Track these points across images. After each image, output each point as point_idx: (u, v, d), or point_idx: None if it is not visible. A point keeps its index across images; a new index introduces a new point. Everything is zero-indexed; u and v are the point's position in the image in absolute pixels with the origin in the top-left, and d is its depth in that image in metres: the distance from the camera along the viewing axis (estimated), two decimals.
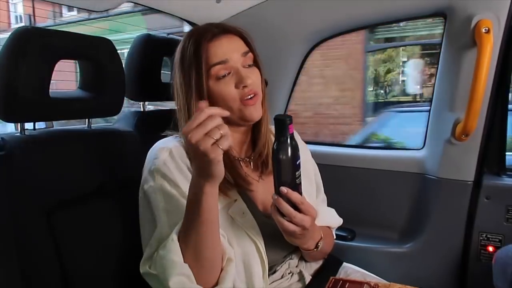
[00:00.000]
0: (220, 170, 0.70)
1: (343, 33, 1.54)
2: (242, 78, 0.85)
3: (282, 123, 0.76)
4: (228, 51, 0.86)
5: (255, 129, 0.96)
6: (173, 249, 0.75)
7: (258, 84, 0.89)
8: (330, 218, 1.08)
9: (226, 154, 0.84)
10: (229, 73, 0.86)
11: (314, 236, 0.90)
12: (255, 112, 0.88)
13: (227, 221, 0.87)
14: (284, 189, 0.78)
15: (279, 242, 0.90)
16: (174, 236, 0.76)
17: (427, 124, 1.43)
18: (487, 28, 1.14)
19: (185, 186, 0.83)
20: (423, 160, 1.44)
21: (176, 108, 0.93)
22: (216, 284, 0.79)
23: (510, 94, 1.38)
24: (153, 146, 0.91)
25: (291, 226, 0.80)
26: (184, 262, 0.75)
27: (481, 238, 1.32)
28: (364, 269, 1.12)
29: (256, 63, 0.91)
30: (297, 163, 0.79)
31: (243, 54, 0.88)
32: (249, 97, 0.86)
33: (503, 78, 1.26)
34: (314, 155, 1.13)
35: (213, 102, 0.85)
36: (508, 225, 1.28)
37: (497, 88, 1.26)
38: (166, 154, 0.86)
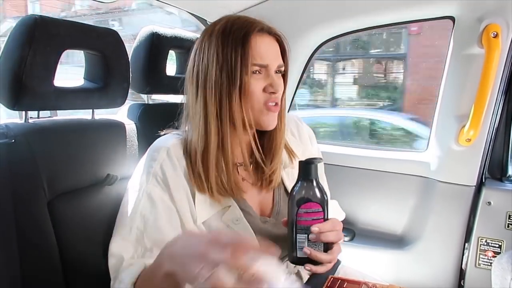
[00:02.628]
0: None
1: (349, 34, 1.54)
2: (274, 84, 0.83)
3: (309, 166, 0.75)
4: (270, 55, 0.84)
5: (264, 136, 0.93)
6: None
7: (280, 97, 0.88)
8: (338, 215, 1.09)
9: (224, 159, 0.84)
10: (261, 73, 0.84)
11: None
12: (273, 120, 0.87)
13: (221, 228, 0.86)
14: (307, 251, 0.76)
15: (275, 244, 0.89)
16: (128, 279, 0.75)
17: (431, 127, 1.43)
18: (495, 33, 1.14)
19: (176, 193, 0.83)
20: (426, 162, 1.43)
21: (181, 101, 0.92)
22: None
23: None
24: (152, 145, 0.89)
25: (324, 268, 0.80)
26: None
27: (481, 243, 1.31)
28: (363, 270, 1.12)
29: (284, 76, 0.90)
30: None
31: (279, 66, 0.87)
32: (273, 104, 0.85)
33: (510, 83, 1.26)
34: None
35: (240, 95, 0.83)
36: (508, 231, 1.28)
37: (504, 94, 1.25)
38: (164, 154, 0.84)
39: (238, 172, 0.91)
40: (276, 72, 0.86)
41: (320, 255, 0.78)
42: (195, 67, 0.86)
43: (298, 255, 0.77)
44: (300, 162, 0.77)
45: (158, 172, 0.83)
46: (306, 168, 0.75)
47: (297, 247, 0.77)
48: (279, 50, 0.88)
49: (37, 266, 0.84)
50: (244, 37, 0.81)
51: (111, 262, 0.81)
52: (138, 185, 0.84)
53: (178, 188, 0.83)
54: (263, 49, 0.83)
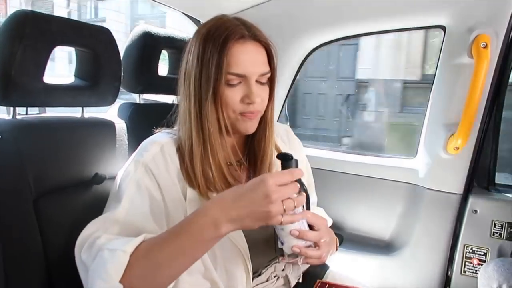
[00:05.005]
0: (257, 226, 0.67)
1: (341, 40, 1.55)
2: (251, 94, 0.81)
3: (287, 160, 0.74)
4: (250, 63, 0.81)
5: (253, 139, 0.93)
6: (118, 261, 0.68)
7: (263, 105, 0.86)
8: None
9: (211, 158, 0.83)
10: (240, 82, 0.82)
11: (333, 237, 0.90)
12: (250, 126, 0.86)
13: None
14: (297, 249, 0.75)
15: (264, 248, 0.89)
16: (129, 247, 0.69)
17: (420, 134, 1.44)
18: (485, 43, 1.15)
19: (166, 190, 0.81)
20: (414, 169, 1.45)
21: (172, 102, 0.91)
22: None
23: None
24: (145, 140, 0.88)
25: (315, 252, 0.78)
26: (120, 281, 0.67)
27: (466, 251, 1.33)
28: (351, 275, 1.12)
29: (271, 82, 0.87)
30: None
31: (262, 74, 0.83)
32: (250, 113, 0.84)
33: (499, 93, 1.28)
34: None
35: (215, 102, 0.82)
36: (493, 239, 1.30)
37: (491, 103, 1.27)
38: (158, 149, 0.84)
39: (229, 172, 0.90)
40: (258, 82, 0.84)
41: (310, 252, 0.77)
42: (183, 67, 0.86)
43: (279, 247, 0.79)
44: (278, 156, 0.76)
45: (149, 163, 0.82)
46: (285, 164, 0.75)
47: (279, 240, 0.78)
48: (266, 57, 0.85)
49: (21, 263, 0.82)
50: (223, 44, 0.79)
51: (84, 233, 0.77)
52: (125, 174, 0.82)
53: (168, 182, 0.82)
54: (242, 58, 0.80)
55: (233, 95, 0.81)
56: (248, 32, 0.82)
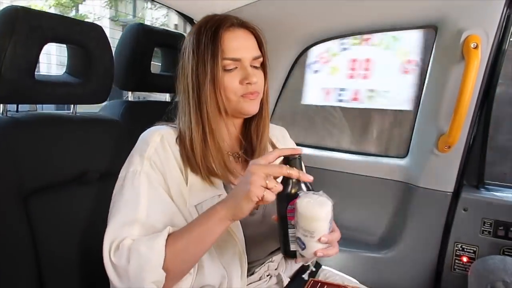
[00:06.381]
0: (246, 209, 0.72)
1: (334, 38, 1.56)
2: (248, 75, 0.86)
3: (294, 160, 0.75)
4: (242, 48, 0.87)
5: (250, 125, 0.96)
6: (158, 253, 0.74)
7: (261, 86, 0.91)
8: None
9: (212, 145, 0.86)
10: (236, 67, 0.87)
11: None
12: (252, 106, 0.89)
13: None
14: (320, 253, 0.75)
15: (260, 242, 0.90)
16: (161, 240, 0.75)
17: (411, 133, 1.46)
18: (475, 44, 1.16)
19: (171, 180, 0.85)
20: (405, 168, 1.46)
21: (165, 100, 0.92)
22: None
23: None
24: (145, 131, 0.90)
25: (334, 250, 0.78)
26: (163, 268, 0.74)
27: (457, 248, 1.34)
28: (342, 273, 1.13)
29: (263, 67, 0.92)
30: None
31: (254, 58, 0.89)
32: (252, 93, 0.88)
33: (488, 93, 1.29)
34: None
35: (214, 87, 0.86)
36: (483, 237, 1.31)
37: (482, 103, 1.29)
38: (158, 139, 0.87)
39: (229, 158, 0.93)
40: (253, 66, 0.89)
41: (330, 252, 0.77)
42: (179, 65, 0.90)
43: (291, 249, 0.78)
44: (284, 158, 0.77)
45: (153, 156, 0.85)
46: (291, 164, 0.76)
47: (290, 241, 0.77)
48: (256, 42, 0.90)
49: (10, 261, 0.81)
50: (215, 33, 0.85)
51: (108, 237, 0.79)
52: (133, 169, 0.84)
53: (171, 171, 0.85)
54: (235, 44, 0.86)
55: (231, 79, 0.86)
56: (236, 20, 0.89)
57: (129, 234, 0.78)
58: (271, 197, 0.70)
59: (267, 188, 0.70)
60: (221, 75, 0.85)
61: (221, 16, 0.89)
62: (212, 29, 0.85)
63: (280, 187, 0.71)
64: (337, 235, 0.80)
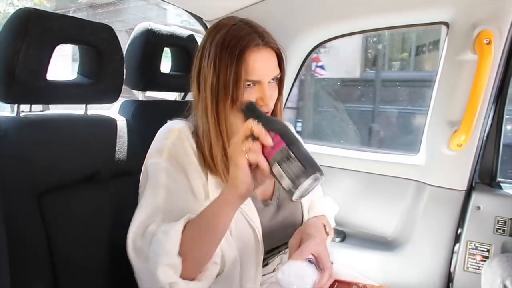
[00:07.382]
0: (244, 180, 0.73)
1: (345, 36, 1.54)
2: (265, 98, 0.87)
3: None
4: (264, 69, 0.87)
5: None
6: (173, 239, 0.77)
7: (273, 101, 0.92)
8: (331, 209, 1.15)
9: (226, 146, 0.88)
10: (254, 85, 0.88)
11: (323, 236, 0.96)
12: None
13: None
14: None
15: (275, 230, 0.94)
16: (179, 226, 0.78)
17: (423, 131, 1.44)
18: (488, 40, 1.15)
19: (190, 172, 0.88)
20: (417, 166, 1.45)
21: (175, 99, 0.92)
22: (193, 279, 0.80)
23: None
24: (162, 127, 0.93)
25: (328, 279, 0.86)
26: (179, 254, 0.77)
27: (470, 247, 1.33)
28: (353, 270, 1.13)
29: (280, 81, 0.94)
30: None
31: (274, 78, 0.90)
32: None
33: (502, 90, 1.27)
34: None
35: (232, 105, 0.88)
36: (496, 235, 1.30)
37: (495, 100, 1.27)
38: (175, 135, 0.89)
39: None
40: (271, 81, 0.90)
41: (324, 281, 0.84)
42: (197, 69, 0.91)
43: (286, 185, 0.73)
44: (244, 114, 0.82)
45: (171, 149, 0.88)
46: (249, 113, 0.80)
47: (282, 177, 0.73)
48: (277, 60, 0.91)
49: (25, 260, 0.83)
50: (240, 54, 0.84)
51: (134, 223, 0.85)
52: (151, 162, 0.89)
53: (189, 163, 0.88)
54: (258, 65, 0.86)
55: (248, 96, 0.87)
56: (262, 40, 0.87)
57: (153, 221, 0.83)
58: (254, 156, 0.71)
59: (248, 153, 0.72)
60: (241, 93, 0.86)
61: (245, 32, 0.87)
62: (236, 49, 0.84)
63: (257, 145, 0.71)
64: (330, 276, 0.86)
